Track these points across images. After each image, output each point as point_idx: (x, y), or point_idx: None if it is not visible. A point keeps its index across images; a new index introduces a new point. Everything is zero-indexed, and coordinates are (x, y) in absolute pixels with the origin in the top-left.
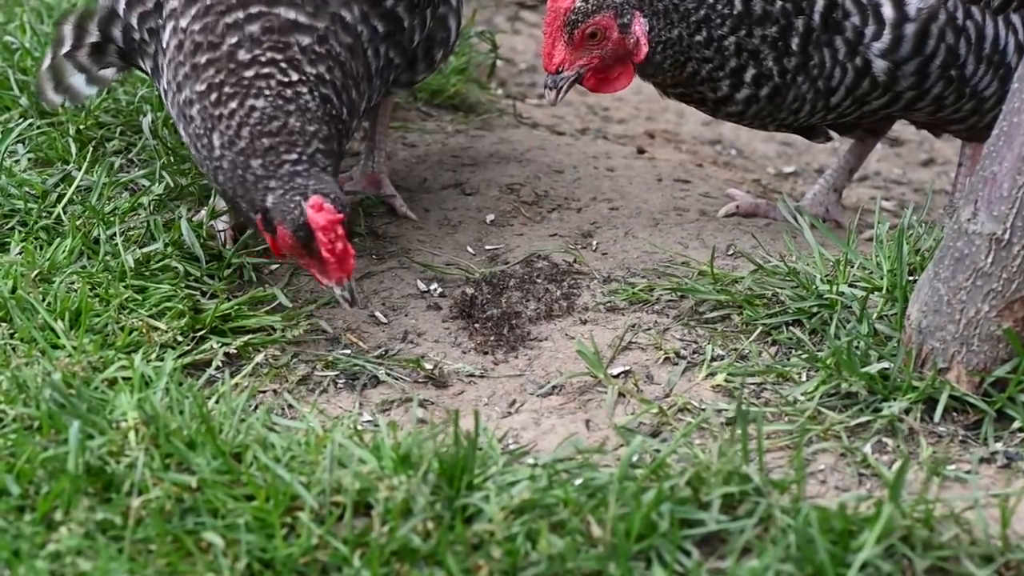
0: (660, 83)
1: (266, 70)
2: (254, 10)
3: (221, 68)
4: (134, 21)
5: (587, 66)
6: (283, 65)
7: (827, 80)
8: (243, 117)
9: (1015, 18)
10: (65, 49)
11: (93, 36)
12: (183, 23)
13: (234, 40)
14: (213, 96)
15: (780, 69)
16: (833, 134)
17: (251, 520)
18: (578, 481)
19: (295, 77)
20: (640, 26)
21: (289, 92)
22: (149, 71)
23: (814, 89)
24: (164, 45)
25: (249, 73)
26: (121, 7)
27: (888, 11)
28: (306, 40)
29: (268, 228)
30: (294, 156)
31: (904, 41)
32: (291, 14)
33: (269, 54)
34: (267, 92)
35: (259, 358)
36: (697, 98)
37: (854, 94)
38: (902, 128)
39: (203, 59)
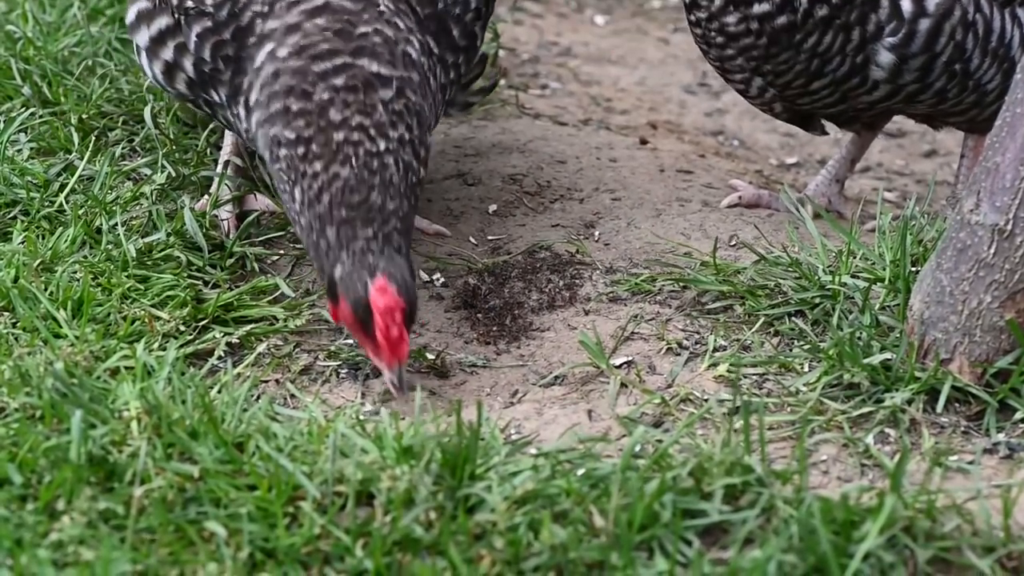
0: None
1: (355, 136)
2: (339, 61)
3: (311, 123)
4: (207, 54)
5: None
6: (372, 132)
7: (821, 63)
8: (325, 182)
9: (1021, 12)
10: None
11: (167, 55)
12: (281, 53)
13: (326, 96)
14: (300, 150)
15: (806, 10)
16: (833, 127)
17: (253, 510)
18: (580, 471)
19: (382, 146)
20: None
21: (375, 164)
22: (224, 99)
23: (807, 64)
24: (256, 66)
25: (339, 136)
26: (192, 41)
27: (907, 4)
28: (388, 94)
29: (331, 297)
30: (370, 233)
31: (917, 37)
32: (373, 66)
33: (358, 118)
34: (353, 161)
35: (261, 348)
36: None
37: (841, 88)
38: (904, 119)
39: (296, 106)
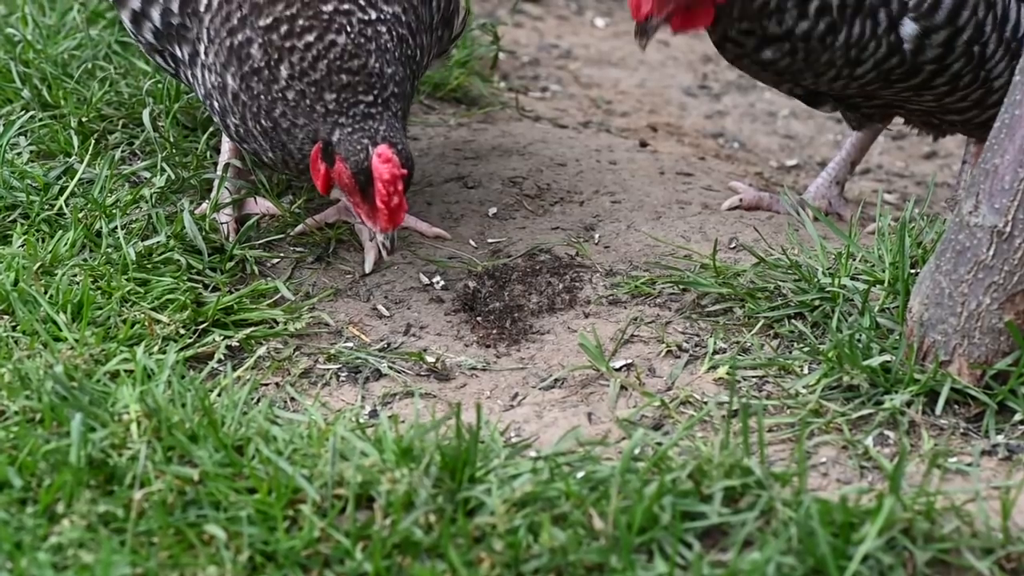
0: (727, 20)
1: (345, 6)
2: None
3: (293, 2)
4: (174, 6)
5: (673, 10)
6: (362, 2)
7: (859, 49)
8: (321, 51)
9: None
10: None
11: (135, 2)
12: None
13: None
14: (283, 28)
15: (840, 4)
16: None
17: (253, 513)
18: (580, 474)
19: (374, 15)
20: None
21: (369, 31)
22: (186, 57)
23: (846, 57)
24: (204, 6)
25: (327, 8)
26: None
27: None
28: None
29: (327, 159)
30: (370, 98)
31: (941, 7)
32: None
33: None
34: (348, 29)
35: (261, 351)
36: (759, 35)
37: (881, 68)
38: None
39: None
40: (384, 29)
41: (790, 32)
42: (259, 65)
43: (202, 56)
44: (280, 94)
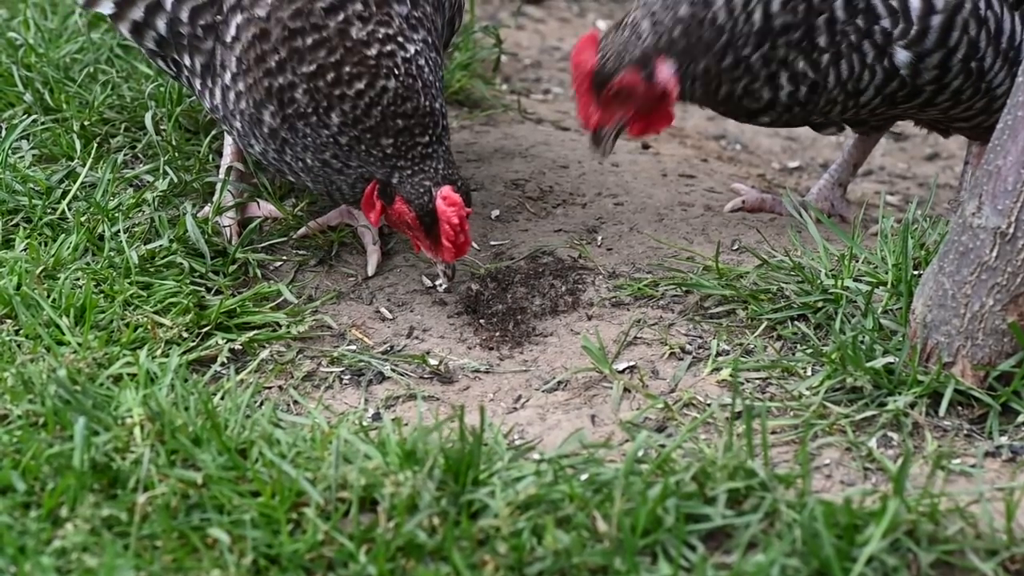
0: (703, 105)
1: (388, 48)
2: None
3: (334, 49)
4: (184, 15)
5: (624, 118)
6: (401, 40)
7: (856, 83)
8: (374, 97)
9: None
10: (108, 10)
11: (136, 14)
12: (259, 12)
13: (341, 19)
14: (330, 76)
15: (812, 64)
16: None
17: (257, 516)
18: (584, 476)
19: (412, 50)
20: (665, 71)
21: (414, 69)
22: (197, 67)
23: (844, 92)
24: (232, 37)
25: (372, 52)
26: (169, 1)
27: (915, 2)
28: (403, 8)
29: (385, 197)
30: (426, 139)
31: (930, 33)
32: None
33: (383, 30)
34: (396, 72)
35: (264, 354)
36: (744, 112)
37: (883, 92)
38: (907, 123)
39: (309, 40)
40: (423, 62)
41: (774, 102)
42: (306, 110)
43: (226, 80)
44: (332, 139)
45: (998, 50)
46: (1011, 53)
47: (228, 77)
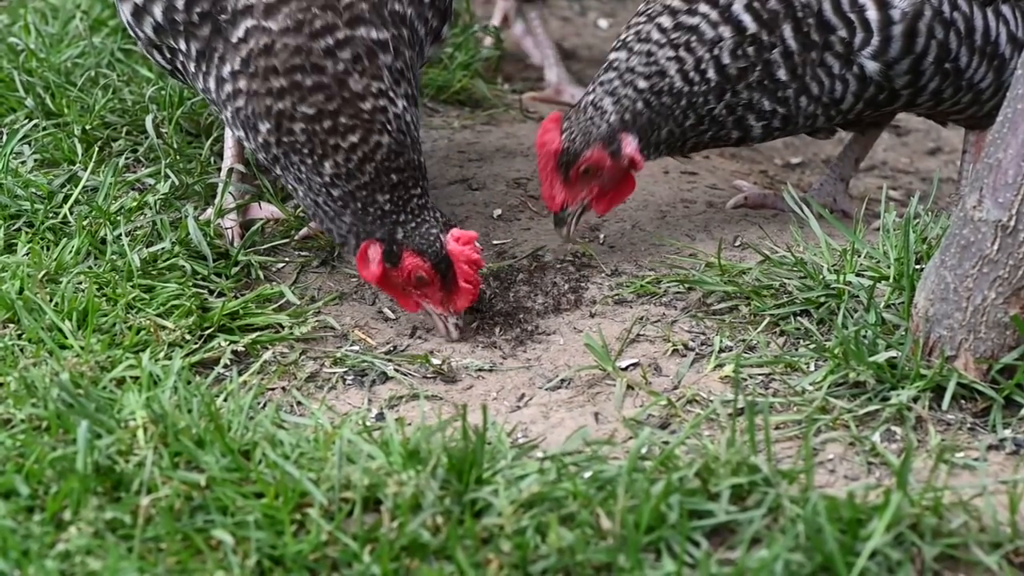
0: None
1: (381, 103)
2: (341, 36)
3: (333, 96)
4: (179, 3)
5: (589, 196)
6: (391, 95)
7: (831, 95)
8: (367, 153)
9: (1005, 9)
10: None
11: None
12: (271, 25)
13: (341, 68)
14: (327, 124)
15: (778, 100)
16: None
17: (261, 517)
18: (587, 474)
19: (401, 106)
20: (630, 145)
21: (403, 124)
22: (193, 52)
23: (821, 105)
24: (239, 37)
25: (367, 106)
26: None
27: (872, 14)
28: (388, 59)
29: (391, 259)
30: (418, 190)
31: (893, 42)
32: (371, 33)
33: (376, 84)
34: (390, 128)
35: (267, 356)
36: (714, 147)
37: (863, 98)
38: (908, 117)
39: (309, 81)
40: (410, 118)
41: (745, 138)
42: (303, 148)
43: (223, 73)
44: (324, 188)
45: (973, 48)
46: (988, 48)
47: (227, 71)
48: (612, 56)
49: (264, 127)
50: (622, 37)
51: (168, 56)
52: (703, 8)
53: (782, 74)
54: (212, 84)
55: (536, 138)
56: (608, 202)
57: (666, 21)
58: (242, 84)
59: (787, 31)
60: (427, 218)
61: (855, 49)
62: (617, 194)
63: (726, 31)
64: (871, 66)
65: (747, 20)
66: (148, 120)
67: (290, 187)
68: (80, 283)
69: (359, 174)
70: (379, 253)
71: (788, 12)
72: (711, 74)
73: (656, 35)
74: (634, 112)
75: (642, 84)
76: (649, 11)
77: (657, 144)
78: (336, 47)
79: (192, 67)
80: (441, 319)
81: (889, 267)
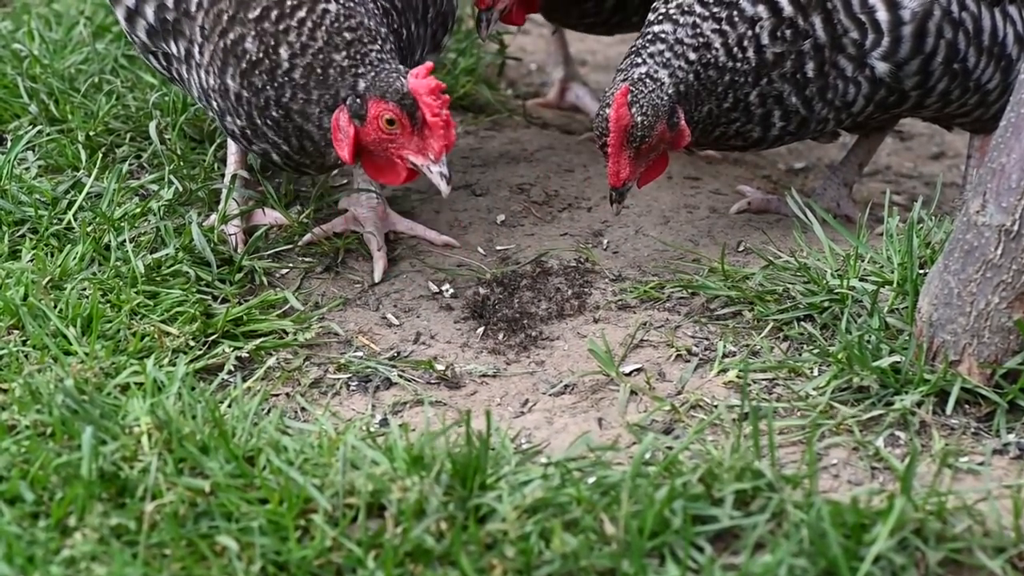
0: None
1: None
2: None
3: None
4: (169, 1)
5: (644, 169)
6: None
7: (843, 97)
8: (316, 20)
9: (1012, 10)
10: None
11: (130, 1)
12: None
13: None
14: (274, 14)
15: (803, 100)
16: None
17: (265, 523)
18: (591, 479)
19: None
20: (682, 118)
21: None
22: (182, 52)
23: (833, 109)
24: (196, 6)
25: None
26: None
27: (883, 15)
28: None
29: (356, 116)
30: (376, 46)
31: (903, 43)
32: None
33: None
34: None
35: (271, 361)
36: (726, 147)
37: (873, 100)
38: (912, 122)
39: None
40: (371, 4)
41: (762, 139)
42: (257, 57)
43: (196, 57)
44: (286, 77)
45: (981, 48)
46: (996, 49)
47: (197, 54)
48: (656, 28)
49: (228, 75)
50: (662, 10)
51: (164, 63)
52: None
53: (810, 69)
54: (196, 80)
55: (610, 113)
56: (651, 176)
57: None
58: (207, 55)
59: (818, 21)
60: (387, 67)
61: (867, 50)
62: (656, 170)
63: (763, 11)
64: (881, 67)
65: (784, 2)
66: (152, 126)
67: (268, 123)
68: (84, 289)
69: (312, 42)
70: (347, 114)
71: (820, 2)
72: (751, 53)
73: (699, 8)
74: (687, 84)
75: (692, 56)
76: None
77: (696, 122)
78: None
79: (184, 71)
80: (428, 171)
81: (893, 272)
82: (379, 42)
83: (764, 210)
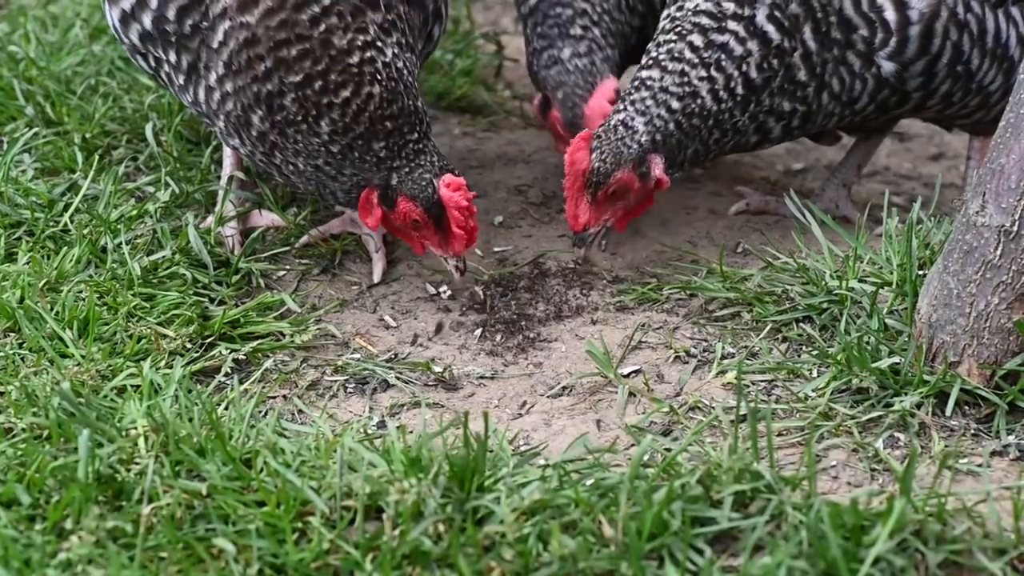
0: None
1: (369, 54)
2: (326, 2)
3: (319, 58)
4: (171, 14)
5: (612, 218)
6: (379, 45)
7: (849, 92)
8: (360, 104)
9: (1015, 11)
10: None
11: (126, 3)
12: (248, 19)
13: (323, 29)
14: (317, 85)
15: (800, 100)
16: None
17: (262, 526)
18: (589, 481)
19: (391, 54)
20: (659, 167)
21: (394, 72)
22: (184, 64)
23: (840, 104)
24: (220, 41)
25: (354, 60)
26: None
27: (891, 15)
28: (378, 16)
29: (387, 202)
30: (415, 135)
31: (909, 43)
32: None
33: (361, 37)
34: (379, 77)
35: (268, 364)
36: (730, 153)
37: (876, 99)
38: (911, 122)
39: (294, 51)
40: (401, 64)
41: (763, 141)
42: (295, 118)
43: (210, 81)
44: (323, 147)
45: (984, 50)
46: (999, 51)
47: (213, 78)
48: (644, 74)
49: (256, 117)
50: (652, 55)
51: (153, 65)
52: (732, 25)
53: (802, 75)
54: (202, 95)
55: (566, 156)
56: (629, 218)
57: (697, 39)
58: (228, 86)
59: (807, 32)
60: (422, 163)
61: (875, 48)
62: (638, 211)
63: (753, 45)
64: (888, 67)
65: (771, 31)
66: (148, 128)
67: (291, 168)
68: (81, 292)
69: (355, 125)
70: (375, 196)
71: (808, 14)
72: (739, 90)
73: (688, 54)
74: (665, 133)
75: (675, 105)
76: (678, 28)
77: (682, 163)
78: (322, 14)
79: (181, 79)
80: (444, 261)
81: (892, 273)
82: (418, 127)
83: (763, 211)
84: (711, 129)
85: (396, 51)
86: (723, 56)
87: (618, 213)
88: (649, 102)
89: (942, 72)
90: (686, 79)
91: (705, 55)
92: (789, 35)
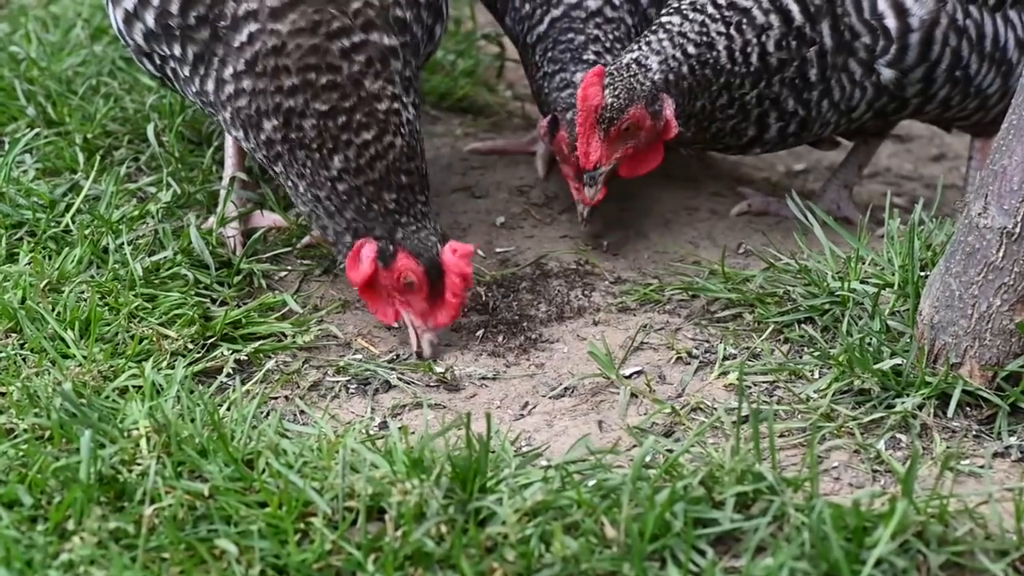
0: (690, 145)
1: (395, 106)
2: (356, 39)
3: (348, 95)
4: (174, 8)
5: (623, 157)
6: (403, 100)
7: (848, 101)
8: (380, 151)
9: (1013, 14)
10: None
11: (128, 3)
12: (280, 28)
13: (356, 69)
14: (340, 120)
15: (802, 103)
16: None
17: (264, 527)
18: (591, 482)
19: (412, 114)
20: (670, 108)
21: (414, 131)
22: (190, 55)
23: (838, 112)
24: (243, 41)
25: (382, 107)
26: None
27: (892, 22)
28: (399, 65)
29: (384, 259)
30: (423, 198)
31: (909, 50)
32: (383, 39)
33: (390, 87)
34: (403, 131)
35: (270, 364)
36: (720, 148)
37: (874, 107)
38: (912, 124)
39: (324, 79)
40: (418, 127)
41: (758, 139)
42: (311, 144)
43: (224, 75)
44: (330, 182)
45: (983, 54)
46: (997, 54)
47: (228, 72)
48: (664, 19)
49: (269, 124)
50: (675, 5)
51: (158, 63)
52: None
53: (813, 74)
54: (211, 86)
55: (578, 92)
56: (636, 165)
57: None
58: (246, 84)
59: (826, 27)
60: (427, 225)
61: (876, 56)
62: (645, 161)
63: (775, 20)
64: (887, 74)
65: (795, 11)
66: (150, 129)
67: (289, 184)
68: (82, 292)
69: (369, 170)
70: (373, 251)
71: (830, 8)
72: (754, 59)
73: (711, 9)
74: (678, 75)
75: (691, 50)
76: None
77: (688, 116)
78: (352, 50)
79: (186, 71)
80: (416, 332)
81: (894, 274)
82: (426, 192)
83: (764, 212)
84: (720, 89)
85: (414, 113)
86: (744, 20)
87: (628, 152)
88: (666, 43)
89: (941, 78)
90: (705, 29)
91: (727, 14)
92: (812, 22)
